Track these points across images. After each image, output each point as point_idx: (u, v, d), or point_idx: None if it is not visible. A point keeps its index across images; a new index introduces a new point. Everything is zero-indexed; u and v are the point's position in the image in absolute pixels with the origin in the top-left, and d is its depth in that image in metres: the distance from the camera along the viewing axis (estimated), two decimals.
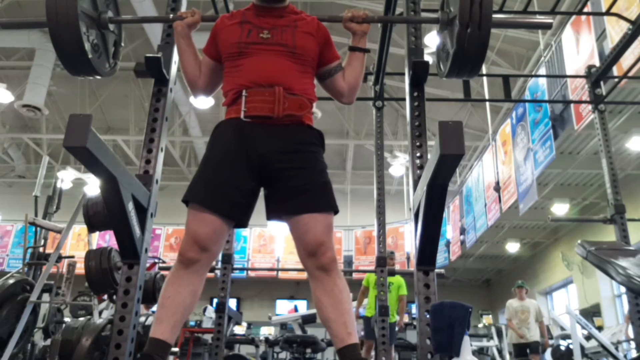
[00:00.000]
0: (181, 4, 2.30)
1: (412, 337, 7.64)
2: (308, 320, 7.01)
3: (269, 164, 1.64)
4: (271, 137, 1.65)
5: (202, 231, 1.60)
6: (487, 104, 10.41)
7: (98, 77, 1.86)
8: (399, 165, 12.72)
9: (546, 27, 1.90)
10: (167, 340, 1.53)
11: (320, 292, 1.60)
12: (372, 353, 5.18)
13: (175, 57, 2.17)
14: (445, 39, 1.85)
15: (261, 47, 1.71)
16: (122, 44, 2.05)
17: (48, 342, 4.02)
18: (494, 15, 1.63)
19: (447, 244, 11.86)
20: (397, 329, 5.98)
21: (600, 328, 7.39)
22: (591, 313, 9.17)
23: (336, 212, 1.67)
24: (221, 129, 1.74)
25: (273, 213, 1.70)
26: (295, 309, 11.28)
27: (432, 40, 8.20)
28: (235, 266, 4.23)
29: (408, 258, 12.45)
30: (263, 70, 1.68)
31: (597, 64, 4.76)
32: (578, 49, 6.19)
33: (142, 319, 2.62)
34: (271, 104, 1.64)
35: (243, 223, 1.70)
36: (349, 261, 13.47)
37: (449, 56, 1.75)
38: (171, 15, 1.91)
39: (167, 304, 1.55)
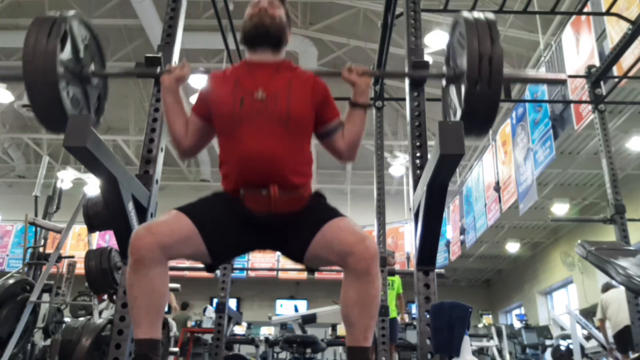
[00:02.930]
0: (181, 4, 2.30)
1: (412, 337, 7.64)
2: (308, 320, 7.01)
3: (275, 234, 1.61)
4: (274, 219, 1.59)
5: (163, 219, 1.51)
6: None
7: None
8: (399, 165, 12.72)
9: (561, 82, 1.79)
10: (152, 337, 1.48)
11: (352, 289, 1.48)
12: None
13: (175, 57, 2.18)
14: (452, 94, 1.75)
15: (255, 120, 1.59)
16: (106, 99, 1.92)
17: (48, 342, 4.02)
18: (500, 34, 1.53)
19: (447, 244, 11.86)
20: (400, 323, 6.06)
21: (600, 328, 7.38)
22: (591, 313, 9.16)
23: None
24: (224, 196, 1.65)
25: (299, 251, 1.60)
26: (296, 309, 11.27)
27: (432, 40, 8.21)
28: (235, 266, 4.23)
29: (408, 258, 12.45)
30: (257, 158, 1.57)
31: (597, 64, 4.76)
32: (578, 49, 6.19)
33: None
34: (267, 204, 1.56)
35: (214, 263, 1.62)
36: None
37: (456, 113, 1.66)
38: (158, 70, 1.82)
39: (137, 305, 1.48)
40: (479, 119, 1.56)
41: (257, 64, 1.70)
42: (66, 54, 1.62)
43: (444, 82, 1.85)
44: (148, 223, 1.51)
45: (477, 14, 1.57)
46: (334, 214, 1.58)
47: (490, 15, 1.57)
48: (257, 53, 1.71)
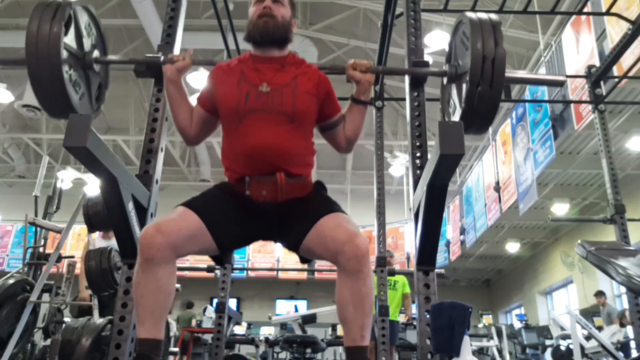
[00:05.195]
0: (181, 4, 2.30)
1: (412, 337, 7.64)
2: (308, 320, 7.01)
3: (275, 224, 1.64)
4: (276, 208, 1.63)
5: (171, 217, 1.53)
6: None
7: None
8: (399, 165, 12.72)
9: (559, 84, 1.80)
10: (155, 337, 1.49)
11: (346, 289, 1.51)
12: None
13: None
14: (452, 92, 1.77)
15: (260, 114, 1.63)
16: (107, 88, 1.92)
17: (48, 342, 4.01)
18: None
19: (447, 244, 11.86)
20: (401, 323, 6.04)
21: (600, 328, 7.37)
22: (591, 313, 9.16)
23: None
24: (227, 187, 1.69)
25: (296, 242, 1.63)
26: (296, 309, 11.28)
27: (432, 40, 8.21)
28: (235, 266, 4.23)
29: (408, 258, 12.45)
30: (263, 149, 1.61)
31: (597, 64, 4.76)
32: (578, 49, 6.19)
33: None
34: (274, 192, 1.61)
35: (221, 254, 1.65)
36: None
37: (455, 111, 1.68)
38: (162, 58, 1.81)
39: (142, 304, 1.49)
40: (479, 118, 1.58)
41: (262, 58, 1.72)
42: (70, 38, 1.62)
43: (444, 80, 1.85)
44: (157, 222, 1.51)
45: (481, 15, 1.58)
46: (329, 209, 1.60)
47: (495, 17, 1.57)
48: (262, 49, 1.73)
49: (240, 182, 1.64)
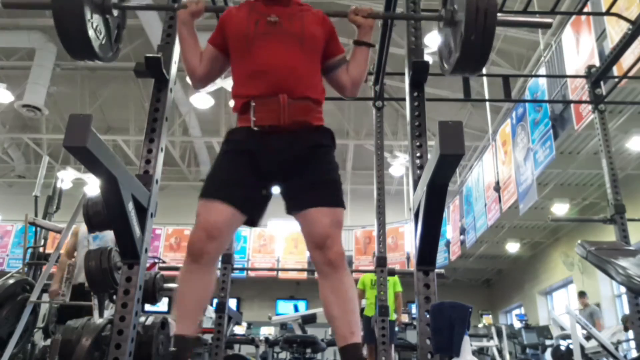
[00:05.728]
0: (181, 4, 2.29)
1: (412, 337, 7.63)
2: (308, 320, 7.01)
3: (281, 170, 1.70)
4: (282, 144, 1.68)
5: (212, 218, 1.62)
6: (487, 104, 10.41)
7: (99, 62, 1.87)
8: (399, 165, 12.72)
9: (546, 26, 1.91)
10: (192, 334, 1.61)
11: (326, 289, 1.61)
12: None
13: (175, 57, 2.18)
14: (448, 37, 1.86)
15: (270, 37, 1.72)
16: (124, 28, 2.02)
17: (48, 342, 4.01)
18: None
19: (447, 244, 11.86)
20: (397, 328, 5.97)
21: None
22: (591, 313, 9.16)
23: (344, 208, 1.70)
24: (234, 135, 1.78)
25: (289, 209, 1.73)
26: (296, 309, 11.27)
27: (432, 40, 8.20)
28: (235, 266, 4.23)
29: (408, 258, 12.45)
30: (270, 70, 1.69)
31: (597, 64, 4.76)
32: (578, 49, 6.19)
33: (142, 319, 2.62)
34: (277, 112, 1.66)
35: (255, 219, 1.74)
36: (349, 261, 13.43)
37: (451, 55, 1.78)
38: (176, 5, 1.91)
39: (183, 302, 1.62)
40: (472, 63, 1.73)
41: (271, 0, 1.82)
42: None
43: (441, 24, 1.92)
44: (203, 225, 1.61)
45: None
46: (325, 199, 1.66)
47: None
48: None
49: (245, 109, 1.71)
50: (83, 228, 3.90)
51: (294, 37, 1.73)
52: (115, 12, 1.88)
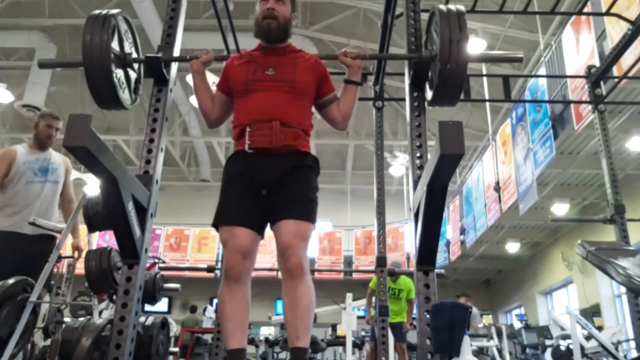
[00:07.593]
0: (181, 4, 2.30)
1: (412, 337, 7.62)
2: None
3: (270, 187, 1.90)
4: (272, 165, 1.89)
5: (241, 242, 1.83)
6: (487, 104, 10.41)
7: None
8: (399, 165, 12.72)
9: (517, 60, 1.97)
10: (243, 346, 1.80)
11: (284, 294, 1.80)
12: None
13: (176, 56, 2.18)
14: (430, 71, 2.01)
15: (266, 84, 1.97)
16: (141, 82, 2.18)
17: (48, 342, 4.01)
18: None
19: (447, 244, 11.86)
20: (403, 330, 5.98)
21: (600, 328, 7.37)
22: (591, 313, 9.16)
23: (313, 223, 1.87)
24: (232, 161, 2.01)
25: (270, 223, 1.93)
26: None
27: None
28: None
29: (408, 258, 12.45)
30: (265, 106, 1.93)
31: (597, 64, 4.76)
32: (578, 49, 6.19)
33: (142, 319, 2.62)
34: (269, 136, 1.89)
35: (264, 232, 1.95)
36: (349, 261, 13.46)
37: (433, 86, 1.91)
38: (188, 56, 2.10)
39: (231, 319, 1.80)
40: (450, 91, 1.84)
41: (269, 49, 2.08)
42: (114, 43, 1.91)
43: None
44: (237, 248, 1.84)
45: (450, 6, 1.83)
46: (297, 212, 1.84)
47: (461, 7, 1.82)
48: (267, 44, 2.08)
49: (241, 135, 1.94)
50: (21, 150, 3.48)
51: (287, 84, 1.97)
52: (135, 66, 2.08)
